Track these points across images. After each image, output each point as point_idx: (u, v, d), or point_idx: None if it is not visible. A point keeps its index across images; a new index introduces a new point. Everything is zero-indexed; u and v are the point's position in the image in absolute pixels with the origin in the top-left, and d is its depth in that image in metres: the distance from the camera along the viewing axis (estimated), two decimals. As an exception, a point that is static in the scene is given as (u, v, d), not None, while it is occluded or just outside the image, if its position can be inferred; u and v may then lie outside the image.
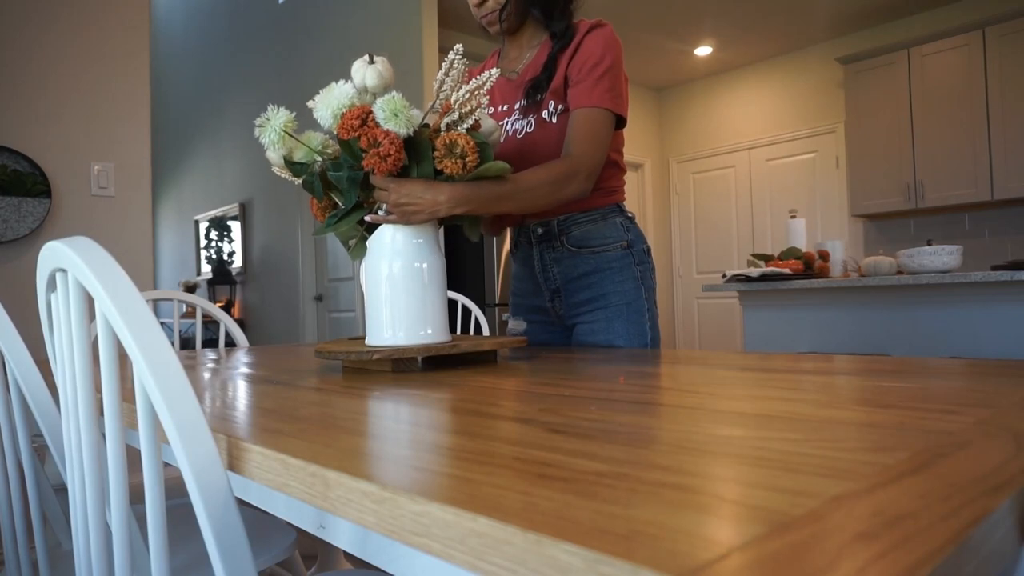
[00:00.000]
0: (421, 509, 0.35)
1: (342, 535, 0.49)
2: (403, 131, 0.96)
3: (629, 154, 6.14)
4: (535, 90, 1.36)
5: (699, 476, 0.37)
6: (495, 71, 1.02)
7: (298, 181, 1.07)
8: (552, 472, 0.39)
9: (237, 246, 6.04)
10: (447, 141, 0.99)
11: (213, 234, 6.41)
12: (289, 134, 1.01)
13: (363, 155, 0.98)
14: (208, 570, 0.94)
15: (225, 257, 6.22)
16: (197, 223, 6.72)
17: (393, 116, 0.95)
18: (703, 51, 5.73)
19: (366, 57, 1.03)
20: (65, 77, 2.62)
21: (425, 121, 1.04)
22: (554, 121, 1.36)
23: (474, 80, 1.02)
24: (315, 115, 1.02)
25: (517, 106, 1.42)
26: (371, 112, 0.96)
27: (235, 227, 6.05)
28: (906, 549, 0.27)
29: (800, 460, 0.40)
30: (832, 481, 0.36)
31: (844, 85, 5.10)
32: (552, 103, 1.36)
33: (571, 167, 1.23)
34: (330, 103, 0.98)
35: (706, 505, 0.32)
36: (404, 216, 1.02)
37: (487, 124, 1.15)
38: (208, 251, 6.53)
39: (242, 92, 5.94)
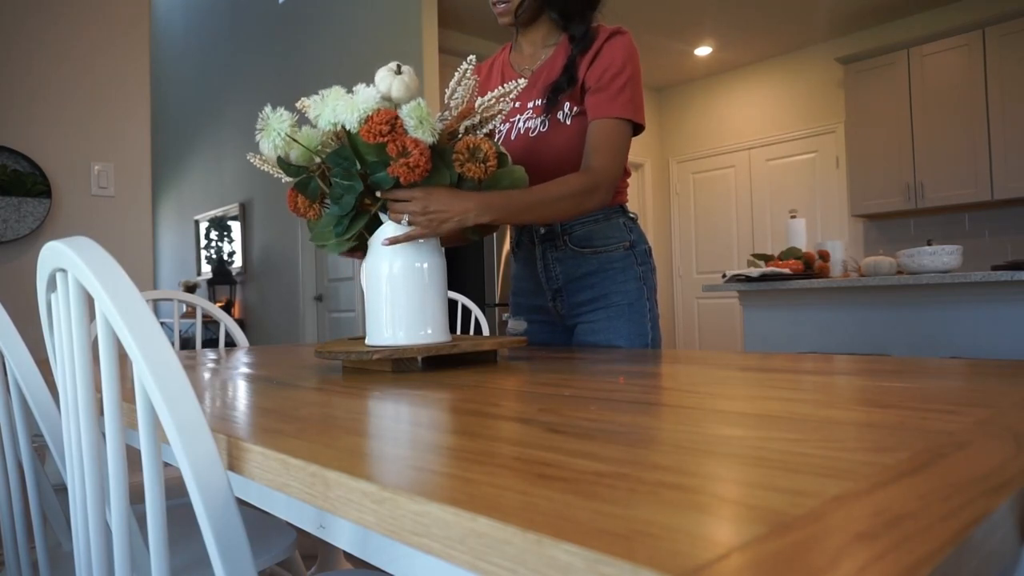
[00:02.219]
0: (421, 509, 0.35)
1: (342, 535, 0.49)
2: (429, 139, 0.96)
3: (630, 154, 6.14)
4: (555, 93, 1.36)
5: (699, 476, 0.37)
6: (522, 81, 1.02)
7: (286, 179, 1.06)
8: (552, 472, 0.39)
9: (237, 246, 6.04)
10: (470, 145, 0.99)
11: (213, 234, 6.41)
12: (292, 137, 1.00)
13: (373, 162, 0.97)
14: (208, 570, 0.94)
15: (225, 257, 6.22)
16: (197, 223, 6.72)
17: (419, 124, 0.95)
18: (703, 51, 5.73)
19: (392, 65, 1.02)
20: (65, 77, 2.62)
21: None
22: (568, 123, 1.36)
23: (500, 88, 1.02)
24: (311, 115, 1.00)
25: (530, 104, 1.41)
26: (399, 118, 0.96)
27: (235, 227, 6.05)
28: (906, 549, 0.27)
29: (800, 460, 0.40)
30: (832, 481, 0.36)
31: (844, 85, 5.10)
32: (568, 104, 1.36)
33: (593, 181, 1.24)
34: (354, 107, 0.98)
35: (706, 505, 0.32)
36: (432, 225, 1.01)
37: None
38: (208, 251, 6.53)
39: (242, 92, 5.95)
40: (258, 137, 1.00)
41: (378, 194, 1.03)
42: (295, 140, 1.00)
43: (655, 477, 0.37)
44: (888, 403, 0.58)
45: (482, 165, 1.00)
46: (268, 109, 1.00)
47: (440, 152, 1.02)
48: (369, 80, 1.03)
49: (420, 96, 1.01)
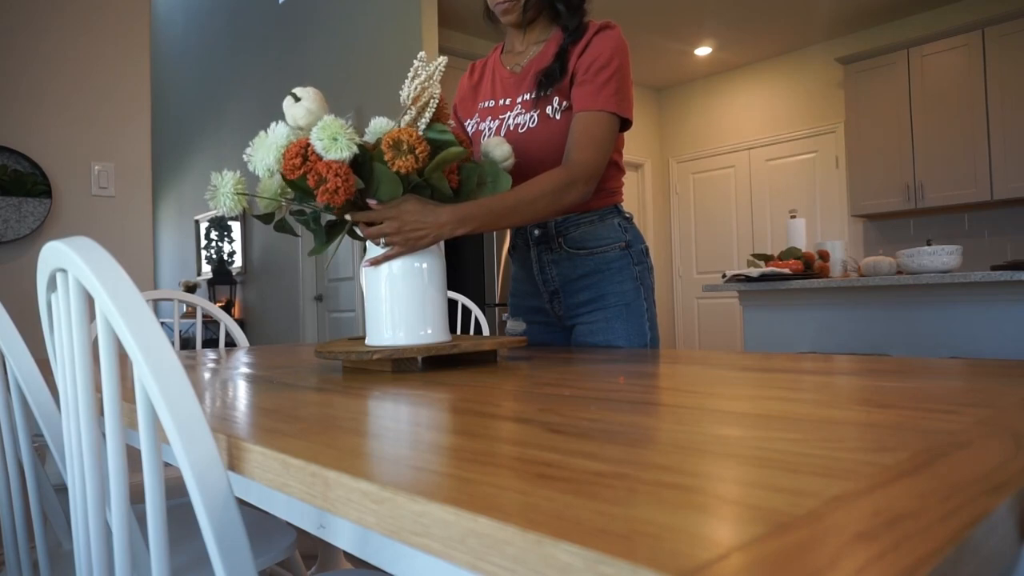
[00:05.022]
0: (421, 509, 0.35)
1: (342, 535, 0.49)
2: (346, 154, 0.91)
3: (629, 154, 6.14)
4: (548, 79, 1.34)
5: (699, 476, 0.37)
6: (443, 59, 1.00)
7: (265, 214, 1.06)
8: (552, 472, 0.39)
9: (237, 246, 6.04)
10: (390, 141, 0.94)
11: (213, 234, 6.41)
12: (244, 193, 0.99)
13: (313, 193, 0.95)
14: (208, 570, 0.94)
15: (225, 257, 6.22)
16: (197, 223, 6.72)
17: (333, 142, 0.91)
18: (703, 51, 5.73)
19: (290, 97, 0.98)
20: (65, 77, 2.62)
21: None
22: (557, 118, 1.35)
23: (412, 69, 0.98)
24: (251, 167, 0.98)
25: (519, 100, 1.41)
26: (309, 145, 0.92)
27: (235, 227, 6.05)
28: (906, 549, 0.27)
29: (800, 460, 0.40)
30: (832, 481, 0.36)
31: (844, 85, 5.10)
32: (556, 99, 1.35)
33: (571, 175, 1.22)
34: (270, 149, 0.95)
35: (706, 505, 0.32)
36: (409, 244, 1.00)
37: (503, 150, 1.13)
38: (208, 251, 6.53)
39: (242, 92, 5.94)
40: (212, 207, 0.99)
41: (347, 217, 1.02)
42: (248, 194, 1.00)
43: (655, 477, 0.37)
44: (888, 403, 0.58)
45: (411, 156, 0.93)
46: (214, 175, 0.99)
47: (380, 158, 0.99)
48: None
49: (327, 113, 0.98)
